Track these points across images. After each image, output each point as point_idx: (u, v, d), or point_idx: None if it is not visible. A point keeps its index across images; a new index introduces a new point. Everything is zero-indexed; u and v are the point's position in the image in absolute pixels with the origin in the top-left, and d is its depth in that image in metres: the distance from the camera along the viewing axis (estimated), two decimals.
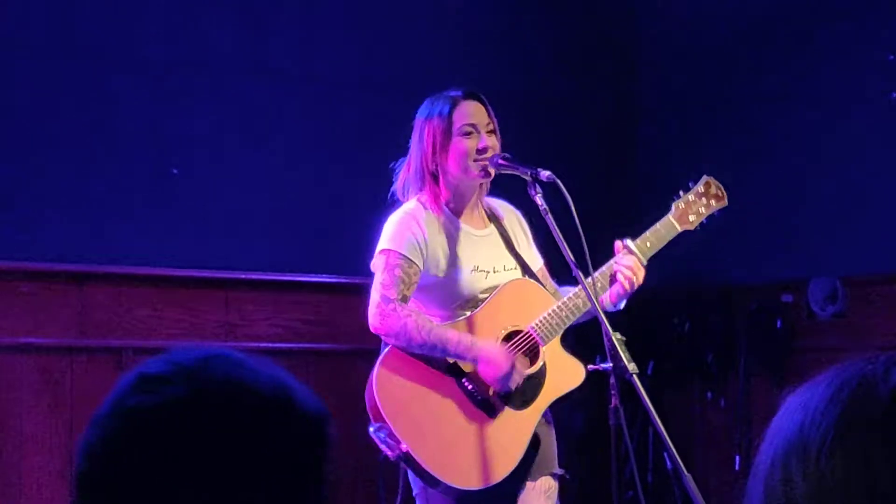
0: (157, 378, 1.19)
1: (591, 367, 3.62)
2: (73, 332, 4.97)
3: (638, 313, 3.85)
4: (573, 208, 3.44)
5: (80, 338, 4.98)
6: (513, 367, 3.55)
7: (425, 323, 3.55)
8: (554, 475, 3.69)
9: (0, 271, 4.85)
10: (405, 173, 3.76)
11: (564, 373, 3.67)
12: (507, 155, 3.68)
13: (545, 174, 3.55)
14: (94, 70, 5.10)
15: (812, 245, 5.89)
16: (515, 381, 3.56)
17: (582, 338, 3.88)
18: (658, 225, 3.82)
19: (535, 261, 3.86)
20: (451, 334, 3.55)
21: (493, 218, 3.82)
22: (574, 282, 3.62)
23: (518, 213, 3.89)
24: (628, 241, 3.73)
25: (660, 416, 3.32)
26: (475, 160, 3.65)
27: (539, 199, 3.55)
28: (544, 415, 3.70)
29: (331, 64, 5.66)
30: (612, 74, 6.54)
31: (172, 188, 5.24)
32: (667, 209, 3.91)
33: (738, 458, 5.99)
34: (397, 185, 3.78)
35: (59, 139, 5.02)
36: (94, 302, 5.01)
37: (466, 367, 3.59)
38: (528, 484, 3.64)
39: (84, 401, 4.92)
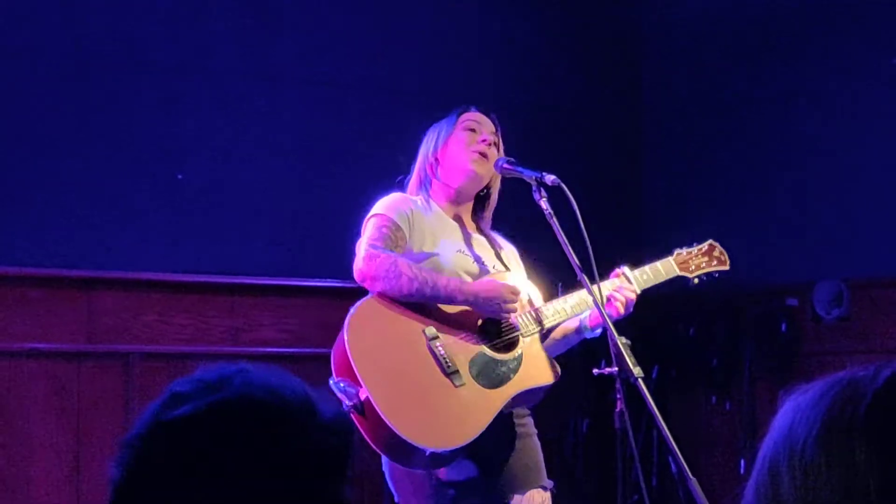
0: (183, 395, 1.24)
1: (596, 371, 3.62)
2: (81, 338, 4.98)
3: (643, 318, 3.86)
4: (578, 213, 3.46)
5: (87, 343, 4.99)
6: (509, 290, 3.49)
7: (414, 263, 3.50)
8: (544, 487, 3.62)
9: (8, 277, 4.86)
10: (410, 184, 3.78)
11: (538, 368, 3.59)
12: (511, 159, 3.70)
13: (550, 178, 3.56)
14: (100, 75, 5.11)
15: (817, 248, 5.89)
16: (517, 303, 3.50)
17: (587, 341, 3.88)
18: (658, 263, 3.82)
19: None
20: (441, 276, 3.49)
21: (486, 236, 3.79)
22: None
23: (516, 251, 3.86)
24: (626, 269, 3.71)
25: (665, 421, 3.33)
26: (471, 149, 3.67)
27: (544, 204, 3.55)
28: (527, 427, 3.65)
29: (337, 68, 5.67)
30: (617, 81, 6.55)
31: (178, 193, 5.26)
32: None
33: (742, 462, 5.99)
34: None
35: (64, 145, 5.03)
36: (101, 307, 5.02)
37: (442, 327, 3.50)
38: (517, 497, 3.56)
39: (91, 406, 4.93)
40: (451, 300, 3.49)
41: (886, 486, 1.07)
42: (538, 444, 3.67)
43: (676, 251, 3.91)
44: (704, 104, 6.39)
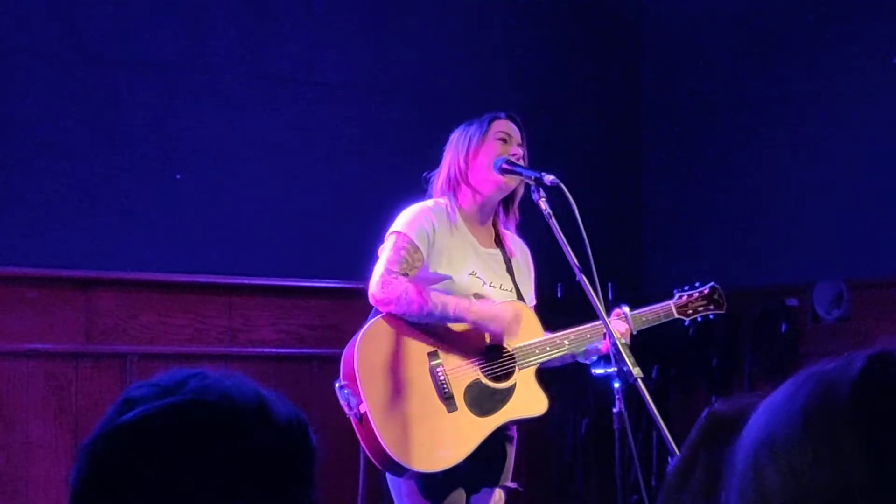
0: (135, 400, 1.24)
1: (595, 371, 3.65)
2: (79, 338, 4.98)
3: None
4: (577, 213, 3.45)
5: (85, 344, 4.99)
6: (513, 318, 3.66)
7: (424, 288, 3.64)
8: (506, 488, 3.82)
9: (6, 277, 4.86)
10: (436, 181, 3.83)
11: (529, 400, 3.76)
12: (510, 158, 3.71)
13: (549, 178, 3.57)
14: (99, 75, 5.11)
15: (817, 248, 5.88)
16: (517, 331, 3.68)
17: None
18: (658, 306, 3.98)
19: (530, 299, 3.92)
20: (450, 297, 3.64)
21: (501, 244, 3.88)
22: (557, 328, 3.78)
23: (528, 252, 3.97)
24: (626, 309, 3.85)
25: (664, 421, 3.33)
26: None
27: (543, 204, 3.57)
28: (510, 433, 3.81)
29: (336, 70, 5.67)
30: (616, 81, 6.55)
31: (176, 194, 5.25)
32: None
33: None
34: (430, 194, 3.86)
35: (63, 145, 5.03)
36: (99, 308, 5.02)
37: (446, 351, 3.69)
38: (484, 490, 3.78)
39: (90, 406, 4.93)
40: (460, 319, 3.65)
41: (879, 475, 1.05)
42: (513, 451, 3.86)
43: (678, 294, 4.03)
44: (704, 104, 6.38)
